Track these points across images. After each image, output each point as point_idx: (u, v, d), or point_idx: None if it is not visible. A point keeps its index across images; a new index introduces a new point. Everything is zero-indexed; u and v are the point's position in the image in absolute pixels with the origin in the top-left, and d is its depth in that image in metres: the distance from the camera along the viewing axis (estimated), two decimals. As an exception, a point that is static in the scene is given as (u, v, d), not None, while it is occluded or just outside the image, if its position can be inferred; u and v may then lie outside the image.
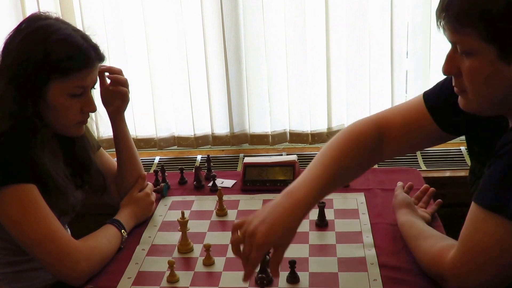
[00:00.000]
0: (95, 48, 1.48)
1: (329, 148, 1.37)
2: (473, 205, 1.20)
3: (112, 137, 1.72)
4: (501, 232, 1.15)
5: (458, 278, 1.22)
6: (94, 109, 1.52)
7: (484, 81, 1.15)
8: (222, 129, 2.83)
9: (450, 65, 1.20)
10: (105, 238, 1.51)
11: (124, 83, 1.65)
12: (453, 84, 1.23)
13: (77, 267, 1.40)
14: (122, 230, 1.56)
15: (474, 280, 1.20)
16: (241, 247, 1.25)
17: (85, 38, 1.47)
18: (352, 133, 1.41)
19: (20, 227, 1.40)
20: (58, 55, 1.41)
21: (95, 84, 1.54)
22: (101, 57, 1.50)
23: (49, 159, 1.50)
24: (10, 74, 1.42)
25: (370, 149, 1.40)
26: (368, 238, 1.53)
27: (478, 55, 1.13)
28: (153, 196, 1.74)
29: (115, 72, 1.64)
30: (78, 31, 1.49)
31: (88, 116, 1.55)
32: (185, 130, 2.84)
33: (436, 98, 1.39)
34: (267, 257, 1.39)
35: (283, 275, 1.37)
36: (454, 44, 1.19)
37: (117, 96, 1.65)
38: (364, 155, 1.39)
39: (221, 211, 1.70)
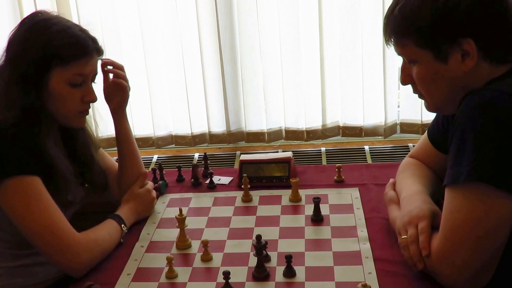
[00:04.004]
0: (93, 39, 1.55)
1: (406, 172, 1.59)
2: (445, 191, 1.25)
3: (111, 136, 1.76)
4: (465, 203, 1.18)
5: (445, 265, 1.22)
6: (94, 99, 1.58)
7: (430, 82, 1.30)
8: (218, 127, 2.85)
9: (404, 75, 1.35)
10: (106, 231, 1.54)
11: (124, 78, 1.71)
12: (413, 91, 1.38)
13: (78, 258, 1.43)
14: (122, 225, 1.59)
15: (459, 264, 1.20)
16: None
17: (83, 30, 1.55)
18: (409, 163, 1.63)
19: (22, 218, 1.43)
20: (58, 43, 1.48)
21: (95, 77, 1.59)
22: (99, 49, 1.57)
23: (54, 150, 1.55)
24: (13, 64, 1.48)
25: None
26: (362, 232, 1.55)
27: (420, 61, 1.29)
28: (154, 193, 1.77)
29: (117, 67, 1.70)
30: (77, 25, 1.57)
31: (89, 106, 1.59)
32: (183, 129, 2.86)
33: (435, 129, 1.56)
34: (265, 252, 1.42)
35: (280, 269, 1.40)
36: (401, 56, 1.34)
37: (118, 92, 1.70)
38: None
39: (247, 197, 1.78)
